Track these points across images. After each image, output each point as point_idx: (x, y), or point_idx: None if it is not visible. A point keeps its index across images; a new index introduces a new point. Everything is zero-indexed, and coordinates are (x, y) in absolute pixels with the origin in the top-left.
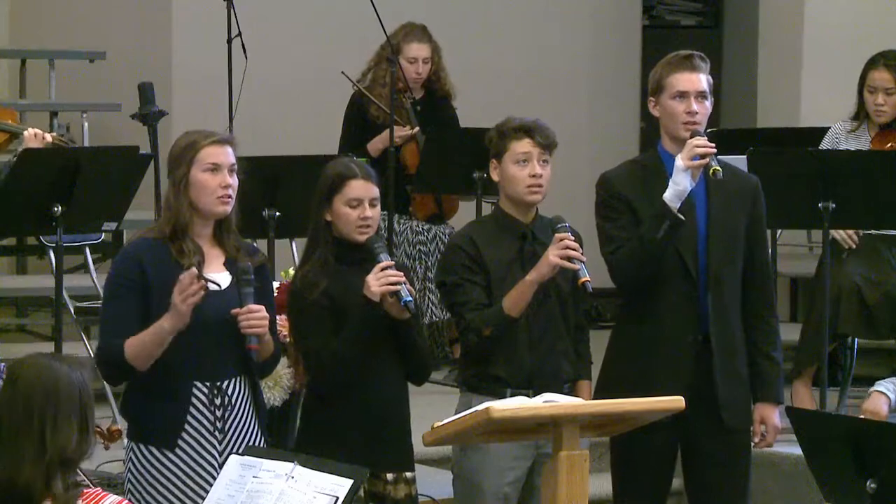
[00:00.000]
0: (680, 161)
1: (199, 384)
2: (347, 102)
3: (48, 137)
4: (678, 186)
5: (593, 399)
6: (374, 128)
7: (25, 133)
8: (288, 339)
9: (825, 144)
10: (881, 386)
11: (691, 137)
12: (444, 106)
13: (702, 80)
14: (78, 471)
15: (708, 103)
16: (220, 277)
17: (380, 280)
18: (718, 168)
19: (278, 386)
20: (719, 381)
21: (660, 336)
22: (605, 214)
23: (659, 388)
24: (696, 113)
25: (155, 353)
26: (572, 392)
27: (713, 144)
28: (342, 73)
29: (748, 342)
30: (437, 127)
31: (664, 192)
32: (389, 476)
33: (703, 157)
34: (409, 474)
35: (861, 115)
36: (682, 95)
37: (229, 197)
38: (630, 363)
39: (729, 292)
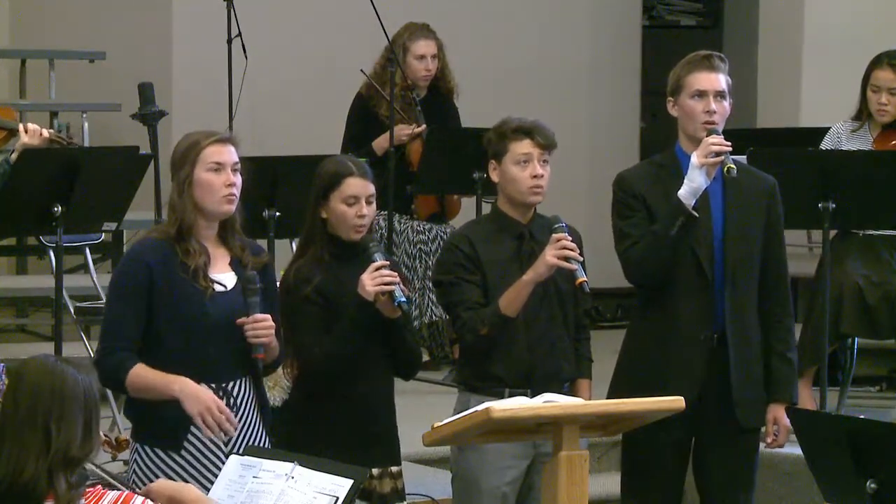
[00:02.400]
0: (695, 158)
1: (204, 385)
2: (350, 102)
3: (45, 133)
4: (693, 184)
5: (608, 396)
6: (382, 127)
7: (21, 128)
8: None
9: (826, 144)
10: None
11: (708, 136)
12: (447, 103)
13: (720, 80)
14: (85, 468)
15: (726, 103)
16: (226, 278)
17: (374, 280)
18: (733, 166)
19: (278, 386)
20: (734, 379)
21: (674, 334)
22: (620, 213)
23: (672, 385)
24: (715, 112)
25: (152, 398)
26: (571, 391)
27: (729, 143)
28: (361, 70)
29: (763, 342)
30: (438, 125)
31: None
32: (375, 471)
33: (718, 154)
34: (394, 469)
35: (863, 114)
36: (701, 95)
37: (234, 196)
38: (645, 361)
39: (745, 291)
